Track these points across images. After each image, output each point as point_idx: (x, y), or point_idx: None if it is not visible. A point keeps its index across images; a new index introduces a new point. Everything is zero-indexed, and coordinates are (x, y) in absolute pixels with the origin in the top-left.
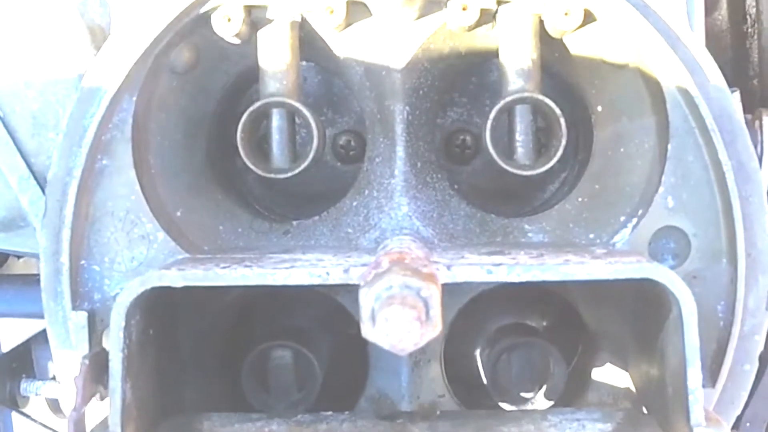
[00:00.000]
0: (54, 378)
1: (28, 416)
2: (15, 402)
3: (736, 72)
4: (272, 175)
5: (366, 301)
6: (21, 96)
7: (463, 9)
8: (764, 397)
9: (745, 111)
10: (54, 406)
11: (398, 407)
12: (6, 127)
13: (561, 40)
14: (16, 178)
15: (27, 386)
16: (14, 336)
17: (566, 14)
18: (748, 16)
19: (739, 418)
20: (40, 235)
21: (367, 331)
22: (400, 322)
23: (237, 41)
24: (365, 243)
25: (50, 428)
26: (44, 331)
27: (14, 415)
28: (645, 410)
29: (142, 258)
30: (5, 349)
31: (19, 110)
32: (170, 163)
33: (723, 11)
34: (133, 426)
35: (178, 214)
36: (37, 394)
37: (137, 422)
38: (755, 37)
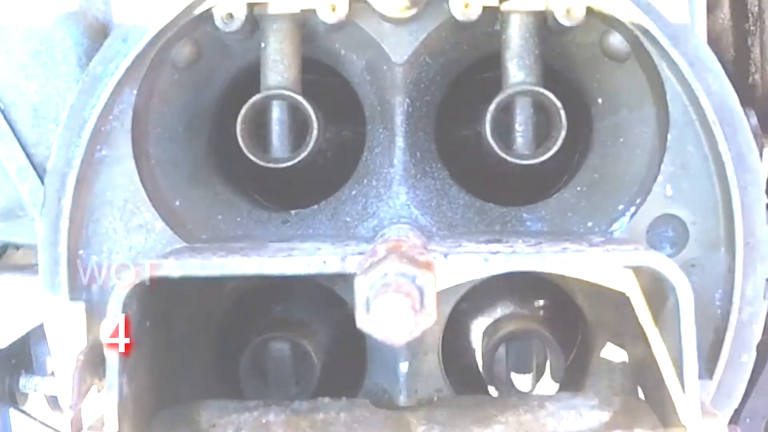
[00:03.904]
0: (53, 374)
1: (26, 413)
2: (14, 399)
3: (737, 69)
4: (272, 165)
5: (361, 289)
6: (22, 88)
7: (466, 6)
8: (763, 392)
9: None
10: (53, 402)
11: (396, 401)
12: (6, 118)
13: (563, 35)
14: (15, 168)
15: (26, 382)
16: (12, 331)
17: (568, 10)
18: (750, 14)
19: (737, 413)
20: (39, 225)
21: (362, 320)
22: (394, 310)
23: (239, 37)
24: (364, 232)
25: (49, 425)
26: (42, 326)
27: (13, 411)
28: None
29: (140, 247)
30: (3, 345)
31: (19, 102)
32: (170, 153)
33: (725, 9)
34: (130, 420)
35: (177, 203)
36: (35, 391)
37: (134, 416)
38: (757, 35)
